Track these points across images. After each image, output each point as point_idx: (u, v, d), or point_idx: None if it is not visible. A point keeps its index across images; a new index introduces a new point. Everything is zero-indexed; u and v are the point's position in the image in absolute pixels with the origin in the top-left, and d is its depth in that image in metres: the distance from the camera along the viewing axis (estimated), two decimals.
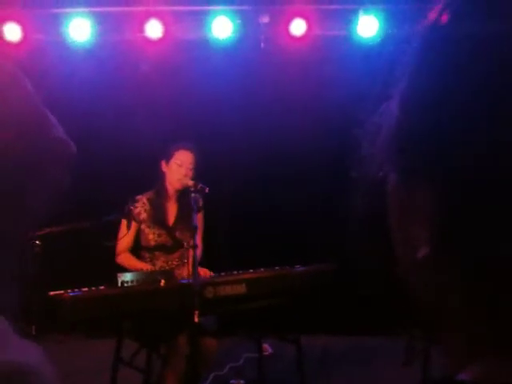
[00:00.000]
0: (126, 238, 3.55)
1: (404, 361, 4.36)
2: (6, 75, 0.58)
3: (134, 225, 3.57)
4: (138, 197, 3.62)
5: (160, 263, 3.58)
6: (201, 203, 3.58)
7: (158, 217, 3.58)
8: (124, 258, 3.59)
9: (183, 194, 3.54)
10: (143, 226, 3.59)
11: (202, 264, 3.60)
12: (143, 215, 3.59)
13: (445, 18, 0.44)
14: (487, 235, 0.39)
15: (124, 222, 3.56)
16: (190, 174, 3.54)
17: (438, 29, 0.44)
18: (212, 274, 3.58)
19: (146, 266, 3.50)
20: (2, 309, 0.53)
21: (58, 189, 0.59)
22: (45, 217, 0.59)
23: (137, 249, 3.65)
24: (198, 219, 3.50)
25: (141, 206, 3.60)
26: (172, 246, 3.59)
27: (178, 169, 3.54)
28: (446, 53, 0.42)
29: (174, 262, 3.60)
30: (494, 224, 0.39)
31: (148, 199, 3.62)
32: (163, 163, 3.60)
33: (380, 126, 0.48)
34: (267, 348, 4.68)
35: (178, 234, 3.61)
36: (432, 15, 0.45)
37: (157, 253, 3.59)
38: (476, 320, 0.42)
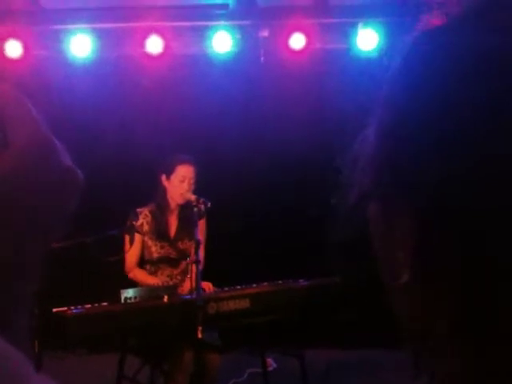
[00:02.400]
0: (133, 251, 3.55)
1: (412, 375, 4.32)
2: (11, 100, 0.58)
3: (138, 237, 3.58)
4: (140, 209, 3.62)
5: (164, 277, 3.57)
6: (202, 211, 3.55)
7: (159, 229, 3.58)
8: (136, 273, 3.59)
9: (185, 206, 3.54)
10: (146, 239, 3.59)
11: (206, 276, 3.58)
12: (145, 227, 3.59)
13: (416, 39, 0.44)
14: (465, 264, 0.39)
15: (127, 238, 3.56)
16: (193, 188, 3.54)
17: (409, 52, 0.44)
18: (215, 288, 3.57)
19: (157, 281, 3.49)
20: (20, 335, 0.53)
21: (66, 217, 0.60)
22: (53, 243, 0.59)
23: (141, 263, 3.64)
24: (200, 225, 3.50)
25: (143, 218, 3.60)
26: (176, 258, 3.59)
27: (181, 184, 3.53)
28: (421, 75, 0.42)
29: (178, 277, 3.59)
30: (472, 254, 0.39)
31: (150, 211, 3.62)
32: (163, 177, 3.59)
33: (359, 153, 0.48)
34: (271, 363, 4.65)
35: (180, 245, 3.61)
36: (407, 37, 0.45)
37: (161, 266, 3.58)
38: (459, 350, 0.41)
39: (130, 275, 3.58)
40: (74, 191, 0.60)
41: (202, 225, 3.60)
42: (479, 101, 0.39)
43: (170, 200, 3.61)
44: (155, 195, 3.65)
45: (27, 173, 0.54)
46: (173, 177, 3.55)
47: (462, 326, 0.41)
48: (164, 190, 3.60)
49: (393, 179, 0.43)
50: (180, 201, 3.55)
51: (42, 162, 0.56)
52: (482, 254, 0.39)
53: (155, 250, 3.58)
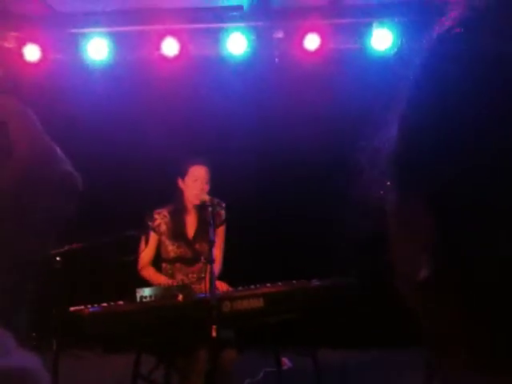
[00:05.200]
0: (148, 250, 3.63)
1: (425, 375, 4.30)
2: (14, 113, 0.62)
3: (153, 237, 3.64)
4: (159, 210, 3.69)
5: (180, 276, 3.62)
6: (223, 216, 3.66)
7: (177, 230, 3.64)
8: (148, 271, 3.66)
9: (203, 208, 3.59)
10: (163, 238, 3.65)
11: (222, 278, 3.62)
12: (163, 227, 3.65)
13: (445, 38, 0.44)
14: (485, 265, 0.39)
15: (143, 238, 3.62)
16: (206, 188, 3.60)
17: (436, 51, 0.44)
18: (230, 288, 3.60)
19: (168, 281, 3.55)
20: (15, 327, 0.57)
21: (65, 218, 0.64)
22: (53, 243, 0.62)
23: (157, 261, 3.69)
24: (219, 232, 3.60)
25: (161, 219, 3.66)
26: (191, 259, 3.63)
27: (194, 184, 3.60)
28: (445, 73, 0.42)
29: (194, 275, 3.63)
30: (492, 253, 0.39)
31: (169, 212, 3.68)
32: (180, 180, 3.67)
33: (379, 149, 0.48)
34: (286, 362, 4.66)
35: (197, 246, 3.66)
36: (432, 34, 0.45)
37: (177, 265, 3.64)
38: (473, 346, 0.42)
39: (142, 272, 3.66)
40: (72, 195, 0.64)
41: (221, 230, 3.72)
42: (492, 105, 0.39)
43: (187, 202, 3.68)
44: (174, 197, 3.72)
45: (29, 179, 0.58)
46: (187, 178, 3.63)
47: (476, 331, 0.41)
48: (181, 192, 3.68)
49: (414, 177, 0.43)
50: (195, 201, 3.60)
51: (42, 169, 0.60)
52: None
53: (172, 249, 3.64)
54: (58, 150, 0.65)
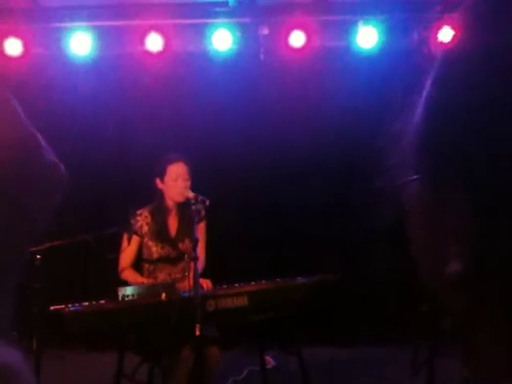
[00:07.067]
0: (128, 252, 3.55)
1: (411, 371, 4.31)
2: None
3: (135, 238, 3.58)
4: (140, 211, 3.63)
5: (163, 275, 3.58)
6: (202, 213, 3.60)
7: (160, 231, 3.59)
8: (128, 274, 3.58)
9: (184, 205, 3.54)
10: (146, 239, 3.59)
11: (205, 275, 3.59)
12: (145, 228, 3.59)
13: (465, 32, 0.43)
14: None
15: (125, 236, 3.56)
16: (188, 184, 3.55)
17: (461, 41, 0.43)
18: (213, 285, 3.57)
19: (149, 282, 3.49)
20: (3, 326, 0.55)
21: (50, 209, 0.61)
22: (39, 235, 0.60)
23: (138, 260, 3.64)
24: (200, 229, 3.53)
25: (142, 220, 3.60)
26: (175, 258, 3.59)
27: (175, 183, 3.53)
28: (468, 65, 0.41)
29: (177, 275, 3.59)
30: None
31: (150, 212, 3.62)
32: (158, 180, 3.59)
33: (403, 135, 0.46)
34: (270, 360, 4.64)
35: (180, 245, 3.61)
36: (454, 26, 0.43)
37: (160, 264, 3.59)
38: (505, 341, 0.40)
39: (123, 275, 3.58)
40: (56, 185, 0.61)
41: (202, 227, 3.63)
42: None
43: (167, 201, 3.63)
44: (153, 198, 3.66)
45: (11, 166, 0.55)
46: (166, 178, 3.56)
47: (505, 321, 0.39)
48: (161, 193, 3.62)
49: (444, 160, 0.41)
50: (179, 199, 3.55)
51: (25, 157, 0.57)
52: None
53: (155, 250, 3.58)
54: (42, 140, 0.62)
